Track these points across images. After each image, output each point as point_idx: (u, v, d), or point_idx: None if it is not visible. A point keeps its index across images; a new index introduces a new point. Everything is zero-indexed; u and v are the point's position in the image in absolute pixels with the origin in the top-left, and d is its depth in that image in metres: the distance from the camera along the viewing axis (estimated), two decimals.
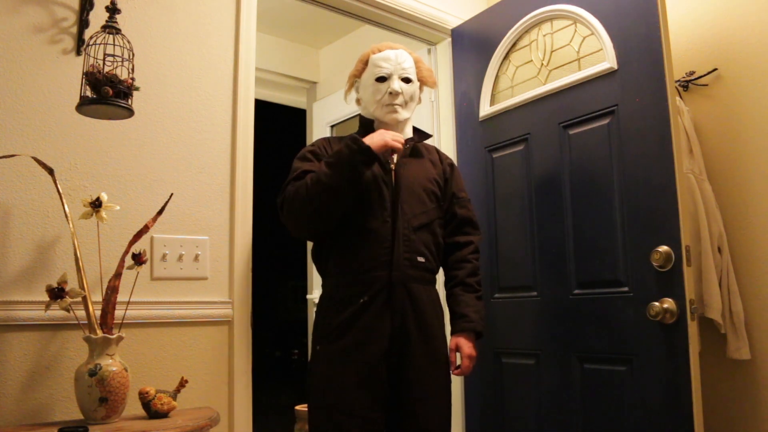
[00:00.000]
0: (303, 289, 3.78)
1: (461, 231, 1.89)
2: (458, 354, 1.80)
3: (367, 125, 1.88)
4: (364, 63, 1.88)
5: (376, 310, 1.67)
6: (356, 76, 1.91)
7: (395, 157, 1.81)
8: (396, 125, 1.85)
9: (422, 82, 1.90)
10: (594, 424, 1.97)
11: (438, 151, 1.98)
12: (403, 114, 1.83)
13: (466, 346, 1.78)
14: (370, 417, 1.64)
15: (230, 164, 2.00)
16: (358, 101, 1.93)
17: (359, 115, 1.94)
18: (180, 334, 1.83)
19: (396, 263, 1.70)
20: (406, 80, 1.84)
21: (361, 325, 1.67)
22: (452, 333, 1.81)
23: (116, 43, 1.59)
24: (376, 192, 1.75)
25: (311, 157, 1.80)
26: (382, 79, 1.82)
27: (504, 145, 2.39)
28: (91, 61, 1.55)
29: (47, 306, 1.47)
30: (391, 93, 1.80)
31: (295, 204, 1.68)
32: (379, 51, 1.86)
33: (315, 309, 1.85)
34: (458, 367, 1.80)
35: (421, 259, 1.75)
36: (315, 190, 1.64)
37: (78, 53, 1.73)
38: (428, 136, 1.95)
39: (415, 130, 1.93)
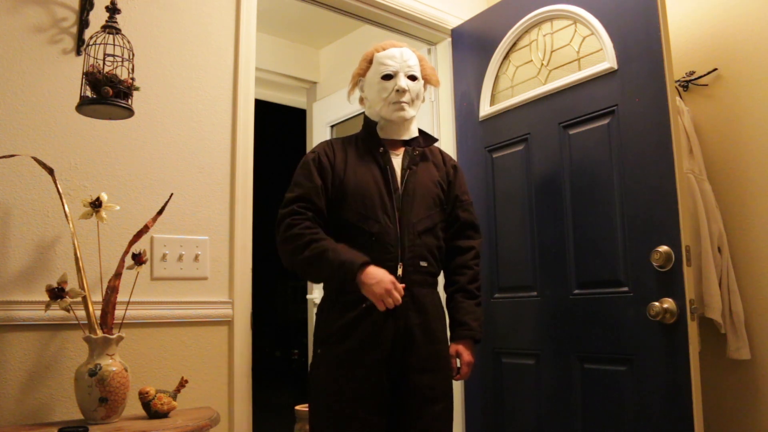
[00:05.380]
0: (303, 289, 3.78)
1: (463, 235, 1.89)
2: (458, 360, 1.81)
3: (370, 126, 1.87)
4: (369, 62, 1.86)
5: (379, 314, 1.67)
6: (360, 75, 1.89)
7: None
8: (402, 123, 1.84)
9: (426, 81, 1.89)
10: (594, 424, 1.97)
11: (441, 153, 1.96)
12: (409, 112, 1.82)
13: (465, 353, 1.80)
14: (372, 420, 1.64)
15: (230, 164, 2.00)
16: (361, 101, 1.92)
17: (363, 115, 1.93)
18: (180, 334, 1.83)
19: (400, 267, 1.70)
20: (412, 78, 1.83)
21: (364, 328, 1.67)
22: (452, 340, 1.82)
23: (116, 43, 1.59)
24: (379, 197, 1.74)
25: (314, 171, 1.77)
26: (388, 77, 1.81)
27: (504, 145, 2.39)
28: (91, 61, 1.55)
29: (47, 306, 1.47)
30: (398, 90, 1.79)
31: (285, 253, 1.73)
32: (384, 49, 1.85)
33: (315, 311, 1.85)
34: (458, 372, 1.82)
35: (423, 263, 1.75)
36: (304, 265, 1.70)
37: (78, 53, 1.73)
38: (434, 140, 1.94)
39: (421, 132, 1.91)
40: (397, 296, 1.63)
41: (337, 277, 1.67)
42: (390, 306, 1.63)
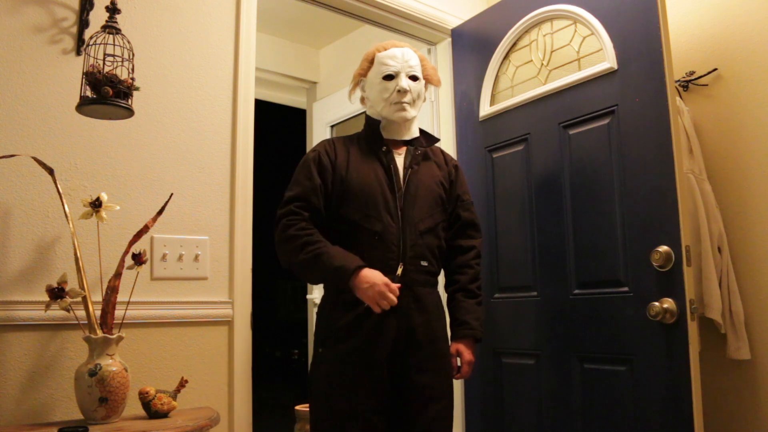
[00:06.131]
0: (303, 289, 3.78)
1: (464, 234, 1.89)
2: (458, 359, 1.82)
3: (373, 125, 1.87)
4: (370, 62, 1.86)
5: (381, 313, 1.67)
6: (362, 75, 1.89)
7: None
8: (404, 123, 1.84)
9: (427, 81, 1.89)
10: (594, 424, 1.97)
11: (443, 153, 1.97)
12: (411, 112, 1.82)
13: (466, 352, 1.81)
14: (372, 419, 1.64)
15: (230, 164, 2.00)
16: (363, 100, 1.92)
17: (365, 114, 1.93)
18: (180, 334, 1.83)
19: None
20: (413, 78, 1.83)
21: (366, 328, 1.67)
22: (452, 339, 1.83)
23: (116, 43, 1.59)
24: (382, 196, 1.74)
25: (314, 170, 1.76)
26: (389, 77, 1.81)
27: (504, 145, 2.39)
28: (91, 61, 1.55)
29: (47, 306, 1.47)
30: (399, 91, 1.79)
31: (282, 254, 1.74)
32: (385, 49, 1.85)
33: (316, 310, 1.86)
34: (458, 371, 1.82)
35: (424, 263, 1.75)
36: (300, 267, 1.70)
37: (78, 53, 1.73)
38: (436, 140, 1.94)
39: (422, 132, 1.92)
40: (392, 297, 1.63)
41: (332, 282, 1.72)
42: (386, 308, 1.64)
